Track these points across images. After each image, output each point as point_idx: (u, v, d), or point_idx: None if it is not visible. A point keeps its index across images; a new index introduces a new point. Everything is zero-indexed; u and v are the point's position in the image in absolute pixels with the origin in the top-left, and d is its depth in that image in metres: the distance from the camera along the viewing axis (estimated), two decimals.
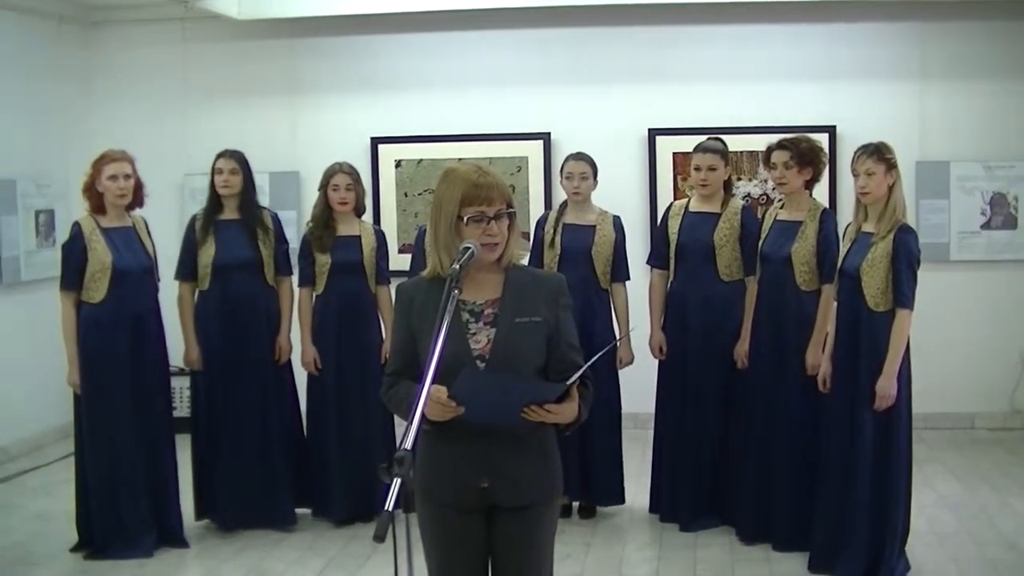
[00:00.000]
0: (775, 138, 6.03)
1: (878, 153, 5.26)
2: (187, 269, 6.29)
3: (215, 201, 6.30)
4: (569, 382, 3.14)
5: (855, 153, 5.36)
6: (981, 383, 8.53)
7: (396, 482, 2.67)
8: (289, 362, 6.45)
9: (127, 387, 5.89)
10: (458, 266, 3.09)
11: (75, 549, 6.04)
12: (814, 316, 5.74)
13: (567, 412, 3.18)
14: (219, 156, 6.31)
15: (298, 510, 6.52)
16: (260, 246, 6.30)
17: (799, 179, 5.86)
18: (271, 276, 6.36)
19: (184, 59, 9.07)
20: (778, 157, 5.89)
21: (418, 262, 6.16)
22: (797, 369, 5.78)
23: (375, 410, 6.26)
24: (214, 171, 6.28)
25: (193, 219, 6.36)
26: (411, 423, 2.82)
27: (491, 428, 3.23)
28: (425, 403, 2.91)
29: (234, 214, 6.30)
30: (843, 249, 5.46)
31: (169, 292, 6.30)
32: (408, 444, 2.75)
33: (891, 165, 5.26)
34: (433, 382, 2.92)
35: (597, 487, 6.53)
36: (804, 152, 5.85)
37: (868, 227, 5.33)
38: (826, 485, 5.50)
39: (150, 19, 9.03)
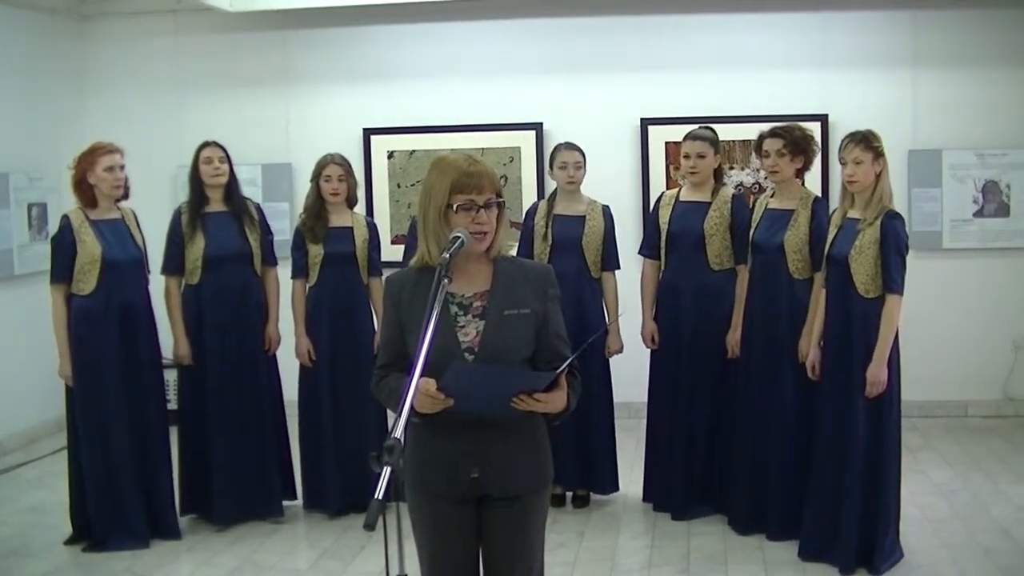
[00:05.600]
0: (767, 127, 6.03)
1: (865, 141, 5.26)
2: (174, 263, 6.26)
3: (199, 193, 6.28)
4: (558, 371, 3.14)
5: (842, 141, 5.37)
6: (974, 371, 8.55)
7: (386, 471, 2.68)
8: (274, 354, 6.47)
9: (118, 378, 5.89)
10: (448, 255, 3.09)
11: (69, 542, 6.06)
12: (807, 304, 5.75)
13: (556, 401, 3.17)
14: (203, 146, 6.28)
15: (291, 502, 6.55)
16: (248, 237, 6.31)
17: (791, 167, 5.87)
18: (260, 267, 6.37)
19: (176, 51, 9.07)
20: (771, 145, 5.89)
21: (412, 252, 6.15)
22: (790, 357, 5.79)
23: (368, 401, 6.23)
24: (201, 161, 6.24)
25: (177, 212, 6.32)
26: (400, 415, 2.82)
27: (481, 418, 3.23)
28: (414, 396, 2.91)
29: (220, 206, 6.29)
30: (830, 235, 5.46)
31: (156, 286, 6.26)
32: (398, 433, 2.75)
33: (878, 153, 5.26)
34: (422, 374, 2.92)
35: (592, 476, 6.55)
36: (797, 140, 5.85)
37: (854, 213, 5.34)
38: (818, 473, 5.51)
39: (142, 11, 9.04)
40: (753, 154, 6.62)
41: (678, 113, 8.37)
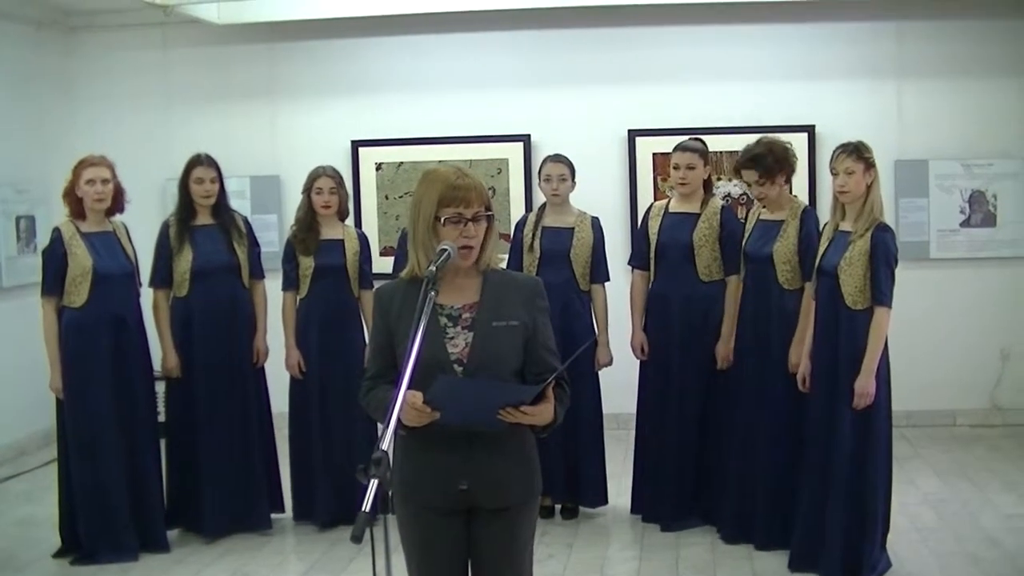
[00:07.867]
0: (754, 138, 6.01)
1: (857, 152, 5.28)
2: (162, 276, 6.27)
3: (187, 207, 6.29)
4: (544, 384, 3.14)
5: (834, 152, 5.38)
6: (962, 380, 8.58)
7: (373, 483, 2.68)
8: (262, 366, 6.47)
9: (109, 391, 5.89)
10: (434, 268, 3.10)
11: (57, 555, 6.04)
12: (797, 314, 5.76)
13: (543, 413, 3.17)
14: (195, 164, 6.27)
15: (281, 514, 6.55)
16: (236, 249, 6.31)
17: (774, 188, 5.85)
18: (247, 279, 6.37)
19: (164, 64, 9.06)
20: (748, 177, 5.89)
21: (400, 264, 6.10)
22: (779, 368, 5.79)
23: (358, 413, 6.18)
24: (192, 180, 6.24)
25: (165, 225, 6.32)
26: (387, 426, 2.83)
27: (470, 431, 3.23)
28: (401, 408, 2.92)
29: (208, 219, 6.30)
30: (821, 247, 5.48)
31: (145, 298, 6.24)
32: (385, 445, 2.76)
33: (869, 164, 5.28)
34: (410, 386, 2.92)
35: (581, 488, 6.55)
36: (771, 167, 5.81)
37: (846, 226, 5.35)
38: (807, 483, 5.51)
39: (130, 24, 9.01)
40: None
41: (665, 124, 8.39)
